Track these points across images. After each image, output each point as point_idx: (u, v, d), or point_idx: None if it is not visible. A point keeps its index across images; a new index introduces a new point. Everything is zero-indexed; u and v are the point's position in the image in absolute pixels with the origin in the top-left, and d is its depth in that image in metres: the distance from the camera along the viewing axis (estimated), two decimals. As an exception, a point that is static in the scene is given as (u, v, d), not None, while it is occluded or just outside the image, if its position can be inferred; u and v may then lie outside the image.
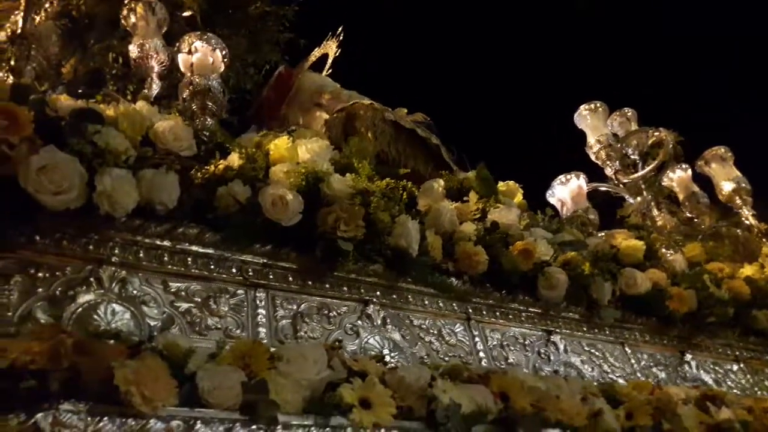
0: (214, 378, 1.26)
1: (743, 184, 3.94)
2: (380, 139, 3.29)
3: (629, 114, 4.59)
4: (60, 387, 1.09)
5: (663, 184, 4.39)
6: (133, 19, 3.12)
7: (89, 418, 1.08)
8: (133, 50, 3.02)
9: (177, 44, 2.83)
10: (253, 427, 1.24)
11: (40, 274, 1.52)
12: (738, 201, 3.89)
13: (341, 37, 4.33)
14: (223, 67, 2.85)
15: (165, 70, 3.08)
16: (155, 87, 3.01)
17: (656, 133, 4.05)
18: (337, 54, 4.35)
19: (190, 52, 2.77)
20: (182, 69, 2.78)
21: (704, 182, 4.47)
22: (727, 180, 4.00)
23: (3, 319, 1.41)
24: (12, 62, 2.22)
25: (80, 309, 1.51)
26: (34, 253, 1.55)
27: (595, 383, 2.14)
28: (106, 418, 1.10)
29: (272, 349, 1.43)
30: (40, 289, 1.50)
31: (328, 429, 1.33)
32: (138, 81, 2.99)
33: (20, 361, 1.07)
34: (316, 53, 4.38)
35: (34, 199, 1.49)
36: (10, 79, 2.21)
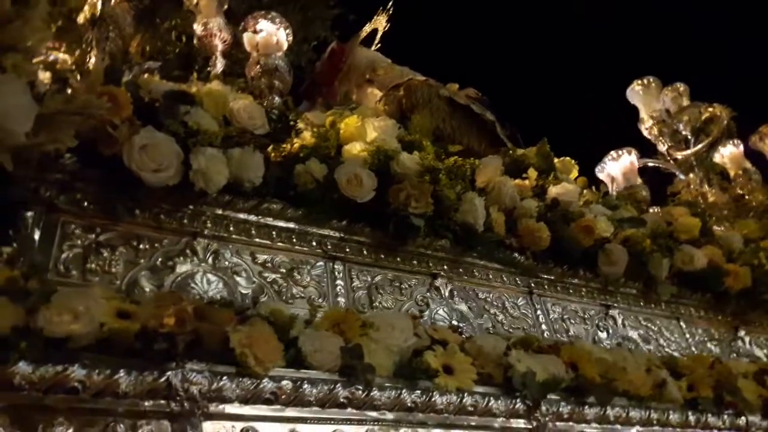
0: (315, 342, 1.36)
1: (800, 161, 3.90)
2: (435, 116, 3.33)
3: (681, 89, 4.53)
4: (185, 349, 1.20)
5: (715, 160, 4.34)
6: (195, -2, 3.21)
7: (212, 377, 1.20)
8: (197, 29, 3.11)
9: (242, 24, 2.91)
10: (352, 388, 1.35)
11: (141, 246, 1.64)
12: (793, 178, 3.85)
13: (390, 12, 4.35)
14: (286, 46, 2.92)
15: (228, 48, 3.17)
16: (219, 65, 3.11)
17: (710, 109, 4.01)
18: (386, 29, 4.38)
19: (255, 32, 2.85)
20: (247, 48, 2.87)
21: (757, 158, 4.42)
22: (782, 156, 3.96)
23: (112, 286, 1.54)
24: (93, 44, 2.32)
25: (179, 278, 1.64)
26: (135, 226, 1.66)
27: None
28: (225, 377, 1.22)
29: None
30: (143, 260, 1.62)
31: (417, 391, 1.43)
32: (203, 59, 3.08)
33: (151, 325, 1.19)
34: (367, 29, 4.41)
35: (135, 176, 1.61)
36: (92, 61, 2.32)
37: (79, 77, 1.92)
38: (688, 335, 2.54)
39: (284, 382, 1.27)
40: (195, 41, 3.11)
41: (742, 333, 2.70)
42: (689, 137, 4.27)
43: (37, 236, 1.51)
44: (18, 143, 1.36)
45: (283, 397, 1.26)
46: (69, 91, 1.63)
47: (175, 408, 1.15)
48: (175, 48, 3.12)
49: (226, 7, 3.29)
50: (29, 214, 1.51)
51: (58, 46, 2.34)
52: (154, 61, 2.95)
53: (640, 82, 4.20)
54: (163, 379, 1.15)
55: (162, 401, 1.15)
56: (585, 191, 2.74)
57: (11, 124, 1.35)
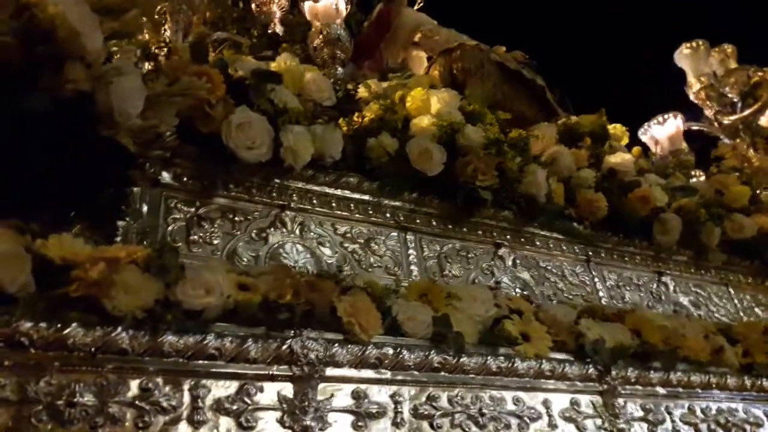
0: (408, 311, 1.49)
1: None
2: (487, 82, 3.37)
3: (729, 50, 4.48)
4: (300, 318, 1.33)
5: (760, 124, 4.33)
6: (253, -35, 3.26)
7: (326, 344, 1.33)
8: (256, -5, 3.18)
9: (301, -9, 2.96)
10: (444, 354, 1.47)
11: (236, 218, 1.77)
12: None
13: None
14: (345, 14, 2.97)
15: (285, 15, 3.23)
16: (278, 31, 3.17)
17: (759, 73, 3.99)
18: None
19: (316, 0, 2.90)
20: (308, 17, 2.92)
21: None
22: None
23: (214, 257, 1.67)
24: (167, 17, 2.41)
25: (272, 249, 1.76)
26: (229, 200, 1.78)
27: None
28: (336, 345, 1.35)
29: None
30: (238, 232, 1.75)
31: (500, 357, 1.55)
32: (261, 25, 3.14)
33: (272, 297, 1.31)
34: (410, -10, 4.39)
35: (230, 153, 1.72)
36: (167, 33, 2.40)
37: (165, 54, 2.02)
38: (736, 301, 2.63)
39: (386, 349, 1.40)
40: (253, 7, 3.18)
41: (788, 299, 2.78)
42: (735, 101, 4.25)
43: (144, 210, 1.63)
44: (136, 125, 1.47)
45: (386, 361, 1.39)
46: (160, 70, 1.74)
47: (297, 372, 1.29)
48: (232, 14, 3.17)
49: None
50: (136, 189, 1.63)
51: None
52: (214, 28, 3.02)
53: (688, 44, 4.17)
54: (285, 347, 1.29)
55: (285, 366, 1.29)
56: (639, 159, 2.80)
57: (128, 107, 1.46)
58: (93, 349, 1.11)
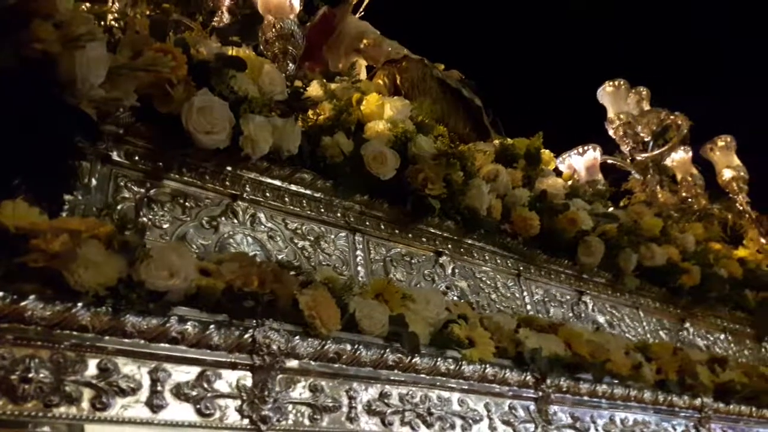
0: (365, 309, 1.50)
1: (742, 173, 4.28)
2: (427, 96, 3.46)
3: (644, 93, 4.84)
4: (263, 307, 1.31)
5: (665, 163, 4.69)
6: (203, -50, 3.18)
7: (288, 336, 1.32)
8: (204, -18, 3.09)
9: (255, -16, 2.91)
10: (398, 353, 1.49)
11: (187, 204, 1.71)
12: (735, 187, 4.23)
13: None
14: (298, 10, 2.95)
15: (234, 4, 3.17)
16: (225, 20, 3.10)
17: (671, 117, 4.33)
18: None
19: (269, -6, 2.86)
20: (261, 10, 2.88)
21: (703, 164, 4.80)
22: (728, 167, 4.33)
23: (162, 241, 1.61)
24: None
25: (222, 238, 1.72)
26: (181, 185, 1.73)
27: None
28: (297, 337, 1.34)
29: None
30: (188, 218, 1.70)
31: (449, 359, 1.59)
32: (207, 13, 3.07)
33: (237, 284, 1.29)
34: (356, -3, 4.42)
35: (188, 136, 1.67)
36: (117, 5, 2.29)
37: (121, 27, 1.92)
38: (645, 323, 2.83)
39: (344, 344, 1.40)
40: (202, -6, 3.09)
41: (687, 324, 3.02)
42: (647, 140, 4.59)
43: (93, 186, 1.55)
44: (99, 95, 1.40)
45: (344, 357, 1.40)
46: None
47: (258, 362, 1.26)
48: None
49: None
50: (85, 164, 1.55)
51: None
52: (157, 8, 2.91)
53: (611, 83, 4.46)
54: (247, 335, 1.26)
55: (245, 355, 1.26)
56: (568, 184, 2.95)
57: (91, 77, 1.39)
58: (51, 324, 1.04)
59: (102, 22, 1.80)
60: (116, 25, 1.90)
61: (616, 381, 1.97)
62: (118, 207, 1.58)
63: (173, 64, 1.62)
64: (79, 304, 1.08)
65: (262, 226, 1.83)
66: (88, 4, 1.73)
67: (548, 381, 1.77)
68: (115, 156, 1.62)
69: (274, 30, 2.73)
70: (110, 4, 2.34)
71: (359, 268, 1.98)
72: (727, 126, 4.90)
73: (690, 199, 4.56)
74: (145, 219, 1.61)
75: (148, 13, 2.58)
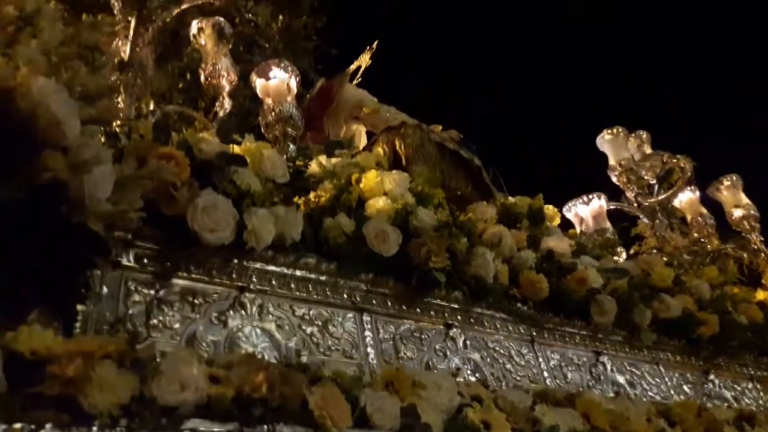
0: (375, 402, 1.49)
1: (752, 211, 4.26)
2: (427, 161, 3.51)
3: (644, 136, 4.88)
4: (272, 412, 1.32)
5: (674, 205, 4.68)
6: (202, 39, 3.30)
7: (298, 439, 1.32)
8: (205, 69, 3.20)
9: (255, 69, 3.02)
10: (412, 445, 1.48)
11: (196, 301, 1.74)
12: (747, 226, 4.21)
13: (373, 50, 4.54)
14: (295, 92, 3.05)
15: (234, 89, 3.27)
16: (226, 105, 3.20)
17: (674, 160, 4.35)
18: (368, 65, 4.55)
19: (267, 79, 2.96)
20: (260, 94, 2.98)
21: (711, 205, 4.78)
22: (736, 206, 4.32)
23: (173, 342, 1.63)
24: (121, 90, 2.39)
25: (231, 333, 1.74)
26: (189, 282, 1.76)
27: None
28: (308, 439, 1.34)
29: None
30: (197, 315, 1.72)
31: (464, 446, 1.58)
32: (209, 99, 3.17)
33: (245, 390, 1.30)
34: (353, 66, 4.56)
35: (194, 236, 1.71)
36: (121, 104, 2.39)
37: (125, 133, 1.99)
38: (667, 379, 2.78)
39: (356, 441, 1.40)
40: (203, 82, 3.20)
41: (712, 376, 2.96)
42: (652, 183, 4.60)
43: (104, 293, 1.59)
44: (106, 210, 1.45)
45: (357, 455, 1.39)
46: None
47: (271, 469, 1.26)
48: (178, 84, 3.18)
49: (230, 47, 3.40)
50: (97, 272, 1.59)
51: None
52: (164, 99, 3.02)
53: (609, 131, 4.50)
54: (258, 442, 1.26)
55: (260, 463, 1.26)
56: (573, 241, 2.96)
57: (99, 193, 1.44)
58: (65, 451, 1.06)
59: (106, 128, 1.86)
60: (121, 131, 1.97)
61: (639, 450, 1.94)
62: (130, 312, 1.61)
63: (177, 170, 1.68)
64: (94, 428, 1.09)
65: (270, 316, 1.85)
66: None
67: (568, 458, 1.74)
68: (124, 261, 1.66)
69: (273, 114, 2.82)
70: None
71: (369, 349, 1.99)
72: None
73: (702, 240, 4.53)
74: (155, 321, 1.63)
75: (152, 107, 2.69)
